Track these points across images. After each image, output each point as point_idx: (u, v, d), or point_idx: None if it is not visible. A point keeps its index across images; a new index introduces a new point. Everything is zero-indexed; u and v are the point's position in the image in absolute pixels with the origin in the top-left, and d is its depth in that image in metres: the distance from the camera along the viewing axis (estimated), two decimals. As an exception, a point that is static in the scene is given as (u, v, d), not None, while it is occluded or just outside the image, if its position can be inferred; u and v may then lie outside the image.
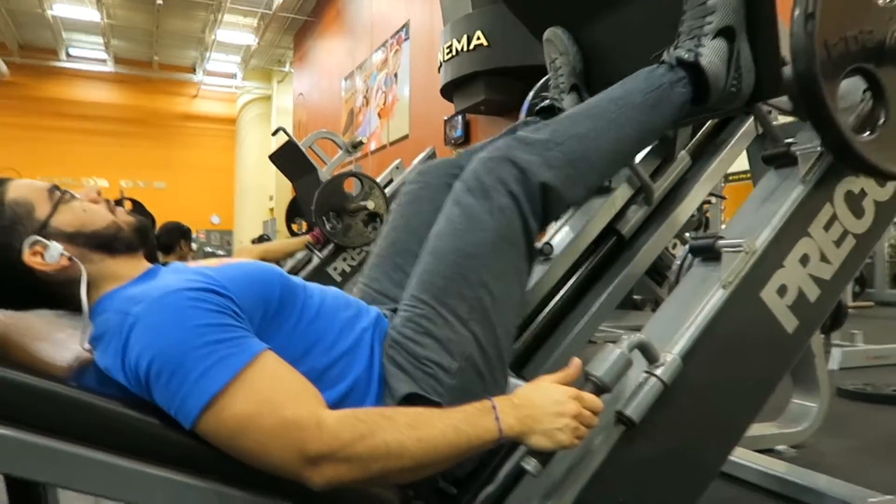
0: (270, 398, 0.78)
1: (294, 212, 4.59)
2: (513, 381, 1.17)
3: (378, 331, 1.02)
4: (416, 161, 3.54)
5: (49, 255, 0.89)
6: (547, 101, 1.44)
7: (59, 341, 0.99)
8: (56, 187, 0.96)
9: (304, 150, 3.58)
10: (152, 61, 17.89)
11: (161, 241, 3.32)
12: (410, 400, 0.94)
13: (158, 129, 18.92)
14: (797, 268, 1.10)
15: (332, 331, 0.98)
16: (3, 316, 0.96)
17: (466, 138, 9.56)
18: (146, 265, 0.99)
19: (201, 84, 18.85)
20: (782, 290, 1.08)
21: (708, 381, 1.02)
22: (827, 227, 1.12)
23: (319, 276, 3.24)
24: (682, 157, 1.64)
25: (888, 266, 7.00)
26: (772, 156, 1.19)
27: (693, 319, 1.01)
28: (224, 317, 0.83)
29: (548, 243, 1.61)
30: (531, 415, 0.85)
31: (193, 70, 18.70)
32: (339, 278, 3.30)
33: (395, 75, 11.93)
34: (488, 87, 7.61)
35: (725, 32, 1.10)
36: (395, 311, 1.09)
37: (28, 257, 0.89)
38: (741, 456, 1.72)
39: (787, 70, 1.09)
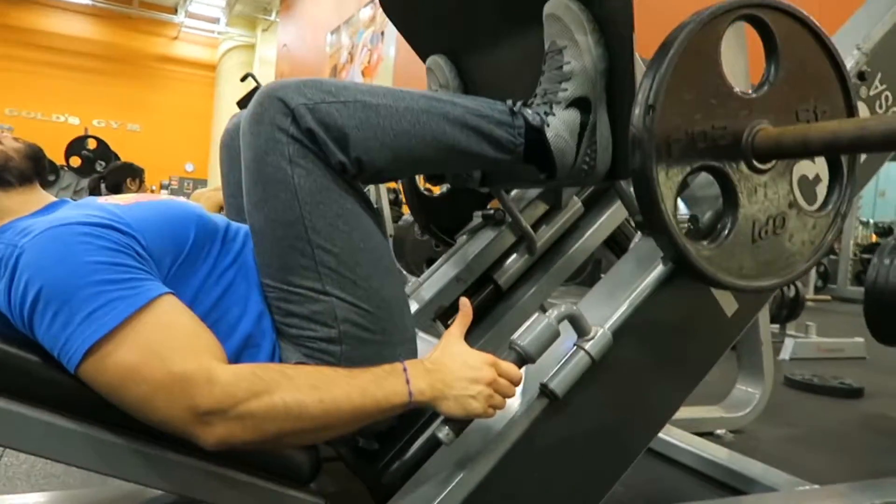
0: (159, 348, 0.73)
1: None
2: (425, 336, 1.12)
3: None
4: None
5: None
6: None
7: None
8: None
9: (272, 98, 3.47)
10: (133, -3, 17.29)
11: (108, 181, 3.22)
12: None
13: (135, 69, 18.32)
14: (743, 250, 1.06)
15: (249, 279, 0.92)
16: None
17: (448, 103, 9.42)
18: (47, 198, 0.93)
19: (182, 26, 18.26)
20: (725, 272, 1.05)
21: (639, 359, 0.99)
22: (777, 211, 1.08)
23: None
24: (573, 204, 1.53)
25: (852, 263, 7.12)
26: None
27: (629, 294, 0.97)
28: (120, 255, 0.76)
29: (499, 209, 1.55)
30: (443, 379, 0.81)
31: (175, 11, 18.08)
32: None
33: (382, 33, 11.68)
34: (473, 52, 7.49)
35: (580, 103, 0.99)
36: None
37: None
38: (678, 437, 1.71)
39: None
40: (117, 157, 6.27)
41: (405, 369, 0.81)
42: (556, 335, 0.89)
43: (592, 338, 0.92)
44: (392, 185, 3.94)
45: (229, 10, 17.41)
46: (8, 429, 0.75)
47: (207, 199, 2.68)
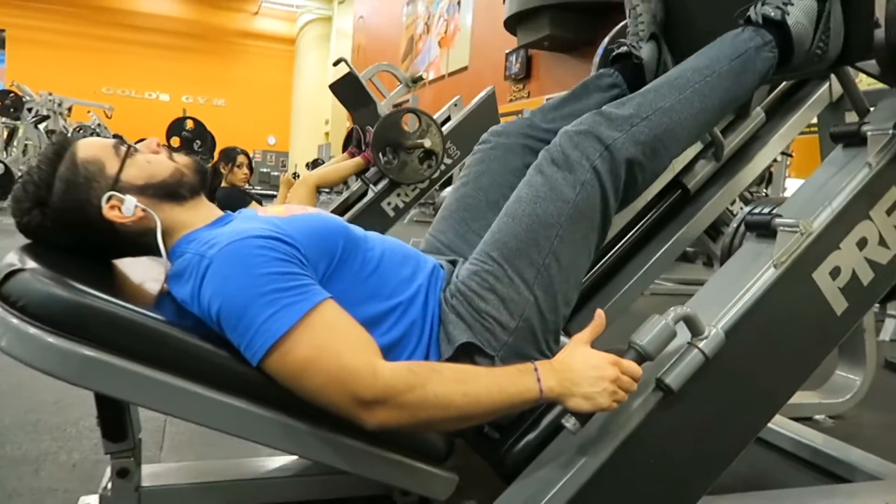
0: (330, 344, 0.85)
1: (351, 141, 4.63)
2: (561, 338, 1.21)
3: (433, 282, 1.08)
4: (475, 101, 3.50)
5: (126, 208, 0.97)
6: (624, 48, 1.41)
7: (141, 268, 1.08)
8: (120, 141, 1.02)
9: (363, 82, 3.58)
10: (216, -25, 17.81)
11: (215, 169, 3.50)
12: (466, 348, 1.00)
13: (219, 45, 18.97)
14: (853, 251, 1.09)
15: (390, 283, 1.03)
16: None
17: (527, 74, 9.33)
18: (216, 212, 1.06)
19: (263, 1, 18.70)
20: (835, 272, 1.08)
21: (749, 357, 1.04)
22: (889, 212, 1.10)
23: (373, 210, 3.30)
24: (757, 114, 1.60)
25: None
26: (841, 133, 1.16)
27: (741, 296, 1.03)
28: (289, 265, 0.88)
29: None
30: (570, 378, 0.89)
31: (256, -14, 18.54)
32: (392, 213, 3.35)
33: (459, 3, 11.61)
34: (553, 22, 7.37)
35: None
36: (453, 262, 1.14)
37: (107, 212, 0.97)
38: (777, 422, 1.74)
39: (878, 34, 1.05)
40: (213, 137, 6.60)
41: (536, 369, 0.91)
42: (673, 335, 0.95)
43: (706, 337, 0.99)
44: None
45: (307, -16, 17.68)
46: (213, 413, 0.90)
47: (305, 182, 2.80)
